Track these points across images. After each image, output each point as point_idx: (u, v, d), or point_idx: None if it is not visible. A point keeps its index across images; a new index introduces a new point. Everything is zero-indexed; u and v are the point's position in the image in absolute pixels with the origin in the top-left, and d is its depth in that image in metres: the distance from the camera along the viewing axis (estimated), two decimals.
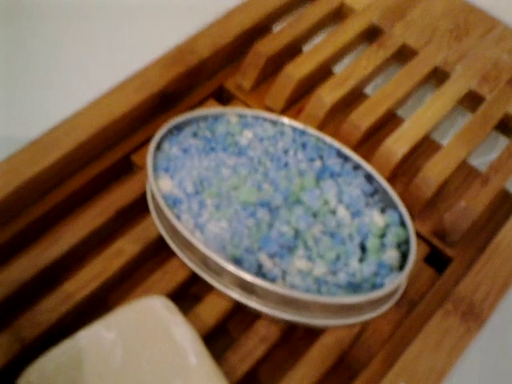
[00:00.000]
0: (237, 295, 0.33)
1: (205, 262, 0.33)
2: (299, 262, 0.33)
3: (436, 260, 0.38)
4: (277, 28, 0.47)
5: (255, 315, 0.33)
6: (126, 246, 0.35)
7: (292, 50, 0.44)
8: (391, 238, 0.34)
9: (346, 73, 0.42)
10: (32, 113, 0.45)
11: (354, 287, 0.32)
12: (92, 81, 0.42)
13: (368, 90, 0.45)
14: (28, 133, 0.37)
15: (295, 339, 0.35)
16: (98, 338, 0.29)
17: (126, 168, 0.40)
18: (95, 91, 0.39)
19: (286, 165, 0.36)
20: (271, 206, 0.34)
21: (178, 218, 0.33)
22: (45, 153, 0.36)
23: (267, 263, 0.32)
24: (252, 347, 0.32)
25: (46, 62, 0.49)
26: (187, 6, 0.53)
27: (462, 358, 0.32)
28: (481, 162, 0.43)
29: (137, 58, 0.41)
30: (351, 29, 0.45)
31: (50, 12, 0.52)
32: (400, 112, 0.44)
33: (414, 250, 0.33)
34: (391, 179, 0.39)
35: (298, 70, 0.42)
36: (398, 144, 0.39)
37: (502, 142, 0.44)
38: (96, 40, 0.50)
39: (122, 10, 0.53)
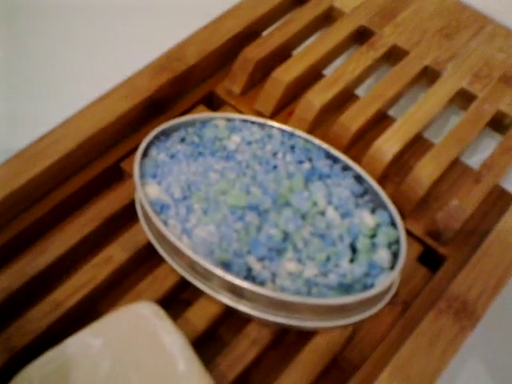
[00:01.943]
0: (226, 299, 0.32)
1: (193, 267, 0.32)
2: (289, 265, 0.32)
3: (430, 259, 0.37)
4: (266, 33, 0.47)
5: (246, 320, 0.33)
6: (115, 254, 0.34)
7: (281, 55, 0.44)
8: (382, 238, 0.34)
9: (336, 75, 0.42)
10: (19, 123, 0.45)
11: (345, 288, 0.32)
12: (81, 89, 0.42)
13: (360, 91, 0.45)
14: (15, 143, 0.37)
15: (287, 342, 0.34)
16: (85, 346, 0.29)
17: (117, 175, 0.40)
18: (84, 99, 0.39)
19: (275, 168, 0.36)
20: (260, 210, 0.34)
21: (166, 223, 0.33)
22: (33, 162, 0.36)
23: (256, 266, 0.32)
24: (243, 351, 0.32)
25: (32, 73, 0.49)
26: (176, 11, 0.54)
27: (456, 357, 0.31)
28: (475, 160, 0.43)
29: (125, 66, 0.41)
30: (341, 31, 0.45)
31: (38, 19, 0.52)
32: (392, 112, 0.44)
33: (405, 249, 0.33)
34: (382, 179, 0.39)
35: (286, 73, 0.42)
36: (388, 144, 0.39)
37: (497, 139, 0.44)
38: (83, 50, 0.50)
39: (110, 16, 0.53)
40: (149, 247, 0.35)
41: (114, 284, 0.35)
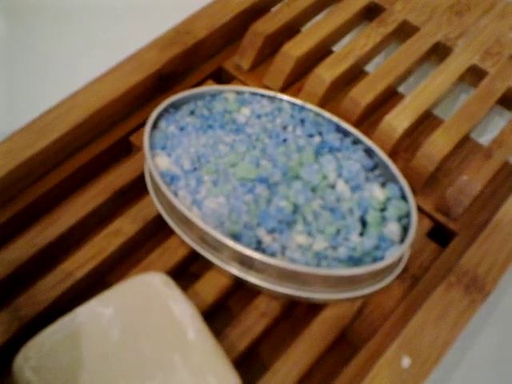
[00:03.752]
0: (236, 270, 0.32)
1: (203, 238, 0.32)
2: (299, 237, 0.32)
3: (439, 235, 0.37)
4: (275, 8, 0.46)
5: (256, 292, 0.33)
6: (125, 226, 0.34)
7: (290, 30, 0.44)
8: (392, 212, 0.34)
9: (346, 50, 0.42)
10: (31, 97, 0.45)
11: (354, 261, 0.32)
12: (89, 63, 0.42)
13: (369, 67, 0.45)
14: (26, 118, 0.37)
15: (296, 315, 0.34)
16: (95, 314, 0.29)
17: (125, 150, 0.40)
18: (93, 73, 0.39)
19: (285, 141, 0.36)
20: (269, 182, 0.34)
21: (176, 194, 0.33)
22: (43, 134, 0.36)
23: (266, 239, 0.32)
24: (252, 323, 0.32)
25: (44, 47, 0.49)
26: None
27: (465, 330, 0.31)
28: (485, 139, 0.43)
29: (134, 40, 0.41)
30: (350, 7, 0.44)
31: (49, 2, 0.52)
32: (402, 89, 0.44)
33: (415, 221, 0.33)
34: (392, 155, 0.39)
35: (296, 48, 0.41)
36: (398, 119, 0.38)
37: (507, 118, 0.44)
38: (94, 23, 0.50)
39: None
40: (158, 220, 0.35)
41: (123, 256, 0.35)
